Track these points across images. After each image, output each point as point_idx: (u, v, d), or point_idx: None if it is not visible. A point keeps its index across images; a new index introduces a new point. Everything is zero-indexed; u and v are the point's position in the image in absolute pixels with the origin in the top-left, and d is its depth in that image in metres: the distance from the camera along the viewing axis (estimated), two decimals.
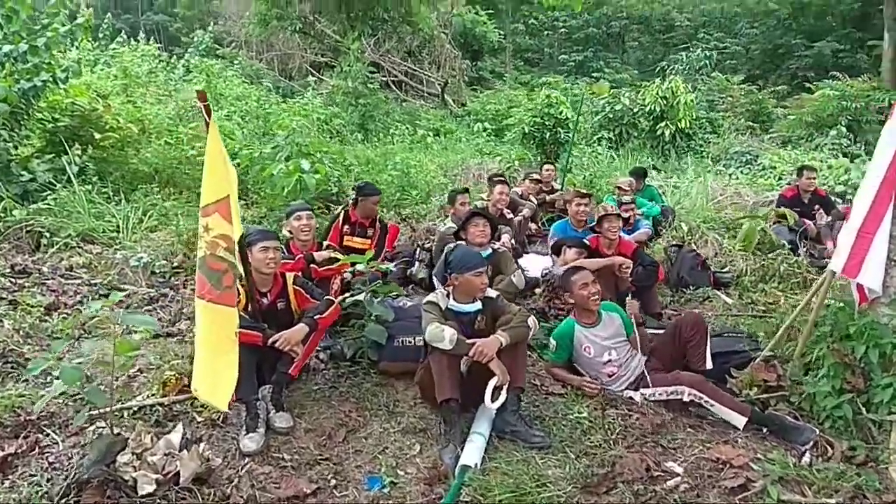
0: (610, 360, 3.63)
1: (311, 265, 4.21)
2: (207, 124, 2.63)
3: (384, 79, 16.98)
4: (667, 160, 12.67)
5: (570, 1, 4.33)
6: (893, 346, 3.03)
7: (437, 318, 3.19)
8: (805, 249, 5.95)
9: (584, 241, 4.75)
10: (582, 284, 3.70)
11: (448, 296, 3.40)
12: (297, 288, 3.55)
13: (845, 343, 3.24)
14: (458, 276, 3.33)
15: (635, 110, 13.49)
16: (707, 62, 16.84)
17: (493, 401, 3.03)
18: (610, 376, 3.62)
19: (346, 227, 5.09)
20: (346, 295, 3.85)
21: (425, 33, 16.83)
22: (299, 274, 3.76)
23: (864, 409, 3.07)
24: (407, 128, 12.81)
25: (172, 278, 5.10)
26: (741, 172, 11.76)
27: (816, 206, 7.00)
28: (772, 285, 5.24)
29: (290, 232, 4.39)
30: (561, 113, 9.30)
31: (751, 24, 23.95)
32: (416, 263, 5.30)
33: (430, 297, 3.35)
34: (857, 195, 3.30)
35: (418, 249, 5.43)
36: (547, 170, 7.71)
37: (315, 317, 3.36)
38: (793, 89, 18.09)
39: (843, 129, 11.93)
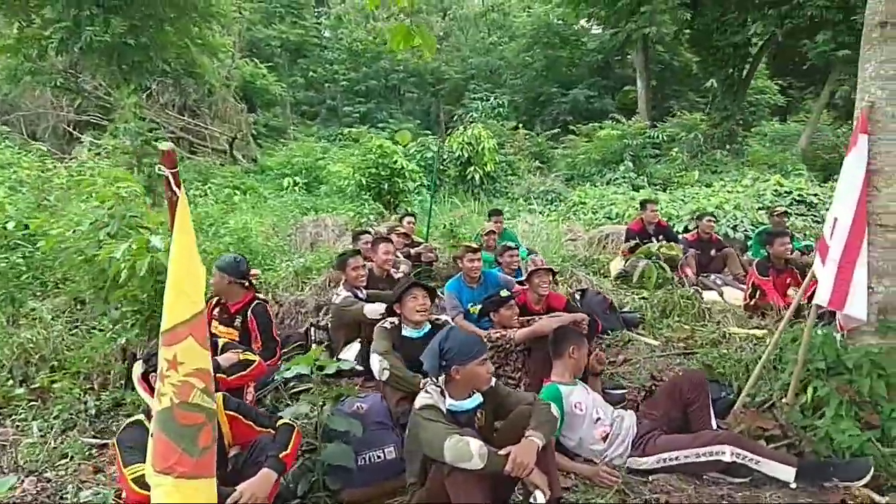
0: (600, 419, 3.25)
1: (217, 374, 3.14)
2: (172, 202, 1.67)
3: (161, 137, 15.17)
4: (478, 202, 12.96)
5: (423, 47, 3.91)
6: None
7: (447, 427, 2.46)
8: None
9: (511, 296, 4.32)
10: (583, 350, 3.41)
11: (442, 393, 2.69)
12: (233, 414, 2.55)
13: (842, 378, 3.17)
14: (459, 368, 2.64)
15: (445, 157, 13.67)
16: (500, 110, 17.84)
17: None
18: (604, 439, 3.20)
19: (216, 311, 4.06)
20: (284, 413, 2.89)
21: (209, 86, 15.39)
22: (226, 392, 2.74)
23: (878, 445, 2.99)
24: (206, 188, 11.40)
25: None
26: (550, 210, 12.45)
27: (661, 237, 7.43)
28: (674, 319, 5.29)
29: None
30: (395, 163, 8.90)
31: (514, 76, 26.14)
32: (314, 346, 4.40)
33: (424, 399, 2.61)
34: (827, 227, 3.30)
35: (312, 329, 4.52)
36: (409, 222, 7.21)
37: (279, 455, 2.41)
38: (561, 132, 19.98)
39: (630, 164, 13.30)
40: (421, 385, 3.35)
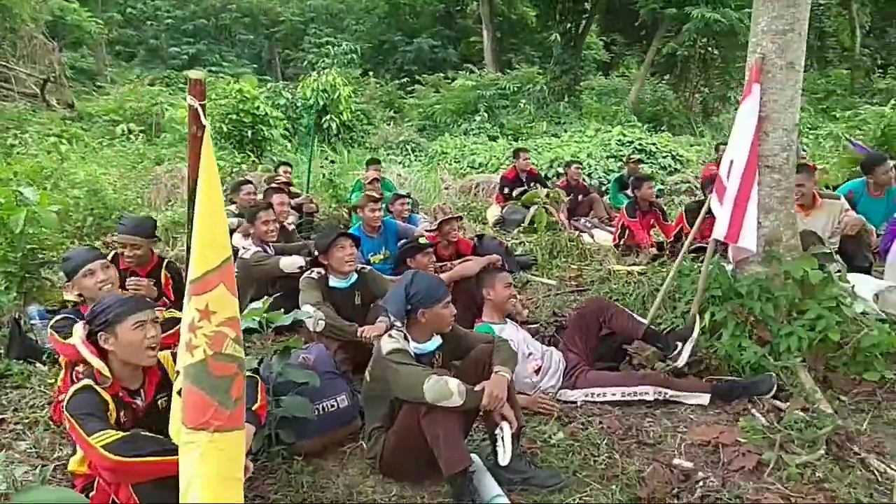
0: (532, 354, 3.42)
1: None
2: (197, 138, 1.44)
3: None
4: (336, 152, 12.64)
5: None
6: (784, 299, 3.46)
7: (424, 368, 2.48)
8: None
9: (430, 243, 4.33)
10: (506, 284, 3.49)
11: (406, 337, 2.66)
12: None
13: (735, 302, 3.58)
14: (425, 311, 2.64)
15: (299, 105, 13.06)
16: (353, 56, 17.29)
17: (504, 453, 2.47)
18: (536, 372, 3.38)
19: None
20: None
21: (13, 22, 13.21)
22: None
23: (770, 359, 3.43)
24: (25, 136, 9.92)
25: None
26: (411, 160, 12.47)
27: (533, 184, 7.78)
28: (561, 260, 5.61)
29: (81, 294, 2.91)
30: (258, 108, 8.33)
31: (356, 21, 25.41)
32: None
33: (391, 343, 2.57)
34: (723, 169, 3.65)
35: None
36: (285, 171, 6.84)
37: (252, 408, 2.27)
38: (409, 82, 19.91)
39: (485, 115, 13.65)
40: (361, 333, 3.31)
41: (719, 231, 3.58)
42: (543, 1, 17.93)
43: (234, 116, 8.00)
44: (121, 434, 1.88)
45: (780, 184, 3.58)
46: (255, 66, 23.64)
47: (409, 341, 2.66)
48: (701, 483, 2.63)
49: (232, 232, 5.08)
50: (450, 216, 4.51)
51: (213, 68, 20.96)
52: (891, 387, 3.17)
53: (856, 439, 2.80)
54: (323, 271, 3.56)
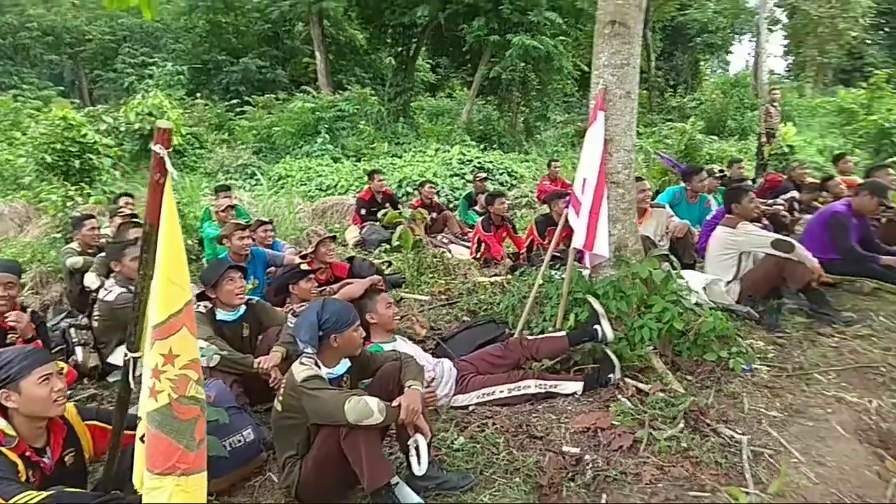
0: (424, 367, 3.57)
1: None
2: (159, 185, 1.42)
3: None
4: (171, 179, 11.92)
5: (140, 4, 3.72)
6: (634, 296, 3.95)
7: (340, 391, 2.56)
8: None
9: (312, 269, 4.33)
10: (387, 304, 3.62)
11: (317, 363, 2.71)
12: (92, 423, 2.20)
13: (588, 294, 4.02)
14: (337, 336, 2.70)
15: (122, 129, 12.15)
16: (181, 77, 16.31)
17: (419, 463, 2.62)
18: (429, 384, 3.55)
19: None
20: None
21: None
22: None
23: (628, 348, 3.91)
24: None
25: None
26: (251, 185, 12.12)
27: (388, 204, 7.97)
28: (429, 276, 5.85)
29: None
30: (85, 136, 7.64)
31: (174, 40, 24.07)
32: (77, 348, 3.79)
33: (303, 371, 2.60)
34: (577, 185, 4.09)
35: (73, 329, 3.86)
36: (126, 203, 6.38)
37: None
38: (239, 103, 19.22)
39: (326, 136, 13.62)
40: (258, 364, 3.26)
41: (578, 240, 4.01)
42: (373, 24, 18.34)
43: (59, 146, 7.26)
44: (43, 494, 1.76)
45: (624, 197, 4.10)
46: (60, 87, 21.46)
47: (320, 367, 2.70)
48: (590, 465, 2.94)
49: (80, 272, 4.71)
50: (325, 236, 4.55)
51: (13, 91, 18.75)
52: (726, 364, 3.75)
53: (707, 412, 3.28)
54: (210, 304, 3.46)
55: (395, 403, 2.57)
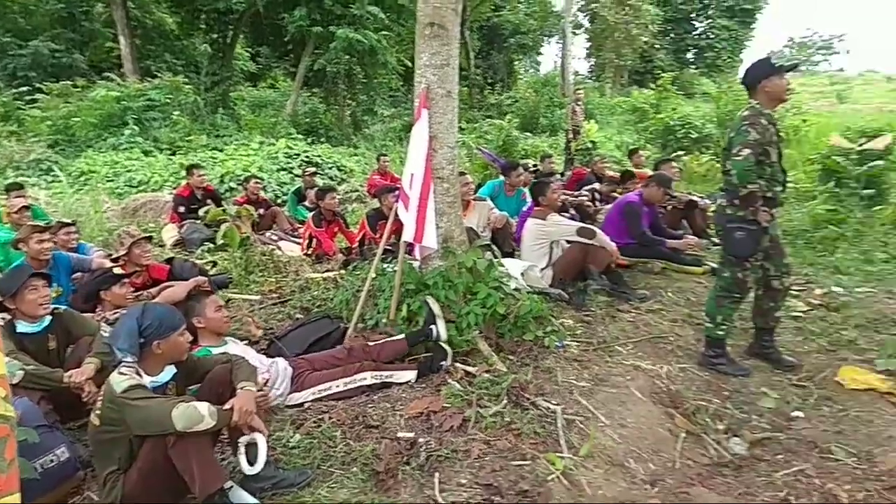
0: (258, 368, 3.52)
1: None
2: None
3: None
4: None
5: None
6: (461, 285, 4.19)
7: (164, 399, 2.45)
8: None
9: (125, 274, 4.03)
10: (216, 307, 3.52)
11: (138, 372, 2.56)
12: None
13: (425, 293, 4.20)
14: (161, 342, 2.58)
15: None
16: None
17: (251, 463, 2.61)
18: (264, 385, 3.51)
19: None
20: None
21: None
22: None
23: (457, 334, 4.13)
24: None
25: None
26: (48, 181, 10.88)
27: (209, 201, 7.59)
28: (258, 275, 5.69)
29: None
30: None
31: None
32: None
33: (123, 381, 2.44)
34: (405, 181, 4.22)
35: None
36: None
37: None
38: (30, 90, 17.00)
39: (135, 128, 12.53)
40: (69, 378, 3.00)
41: (408, 234, 4.16)
42: (185, 9, 17.18)
43: None
44: None
45: (449, 191, 4.32)
46: None
47: (141, 375, 2.56)
48: (423, 447, 3.08)
49: None
50: (139, 237, 4.25)
51: None
52: (542, 342, 4.11)
53: (526, 387, 3.58)
54: (8, 316, 3.10)
55: (227, 406, 2.52)
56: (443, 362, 3.85)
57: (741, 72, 4.02)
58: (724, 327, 3.95)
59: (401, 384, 3.77)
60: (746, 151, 3.55)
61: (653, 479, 2.93)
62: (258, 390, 3.32)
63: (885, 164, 7.62)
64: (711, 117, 13.50)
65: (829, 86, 44.64)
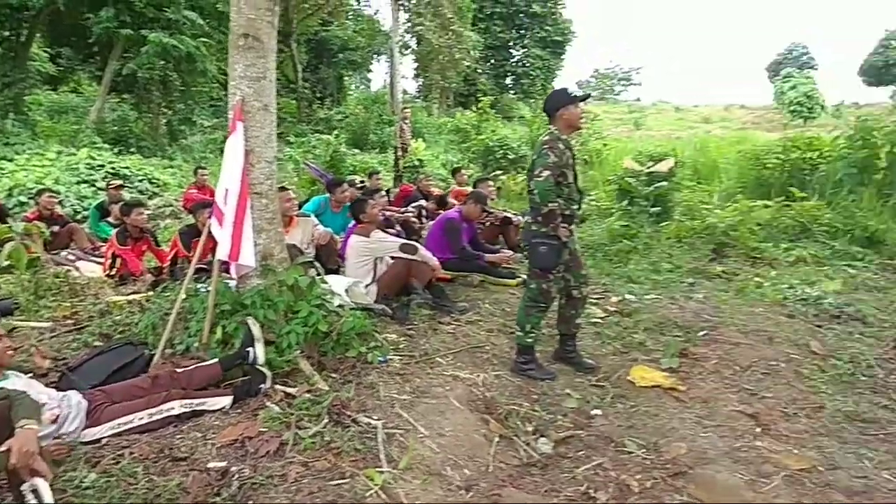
0: (46, 404, 3.18)
1: None
2: None
3: None
4: None
5: None
6: (282, 304, 4.08)
7: None
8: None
9: None
10: None
11: None
12: None
13: (242, 314, 4.04)
14: None
15: None
16: None
17: None
18: (54, 421, 3.16)
19: None
20: None
21: None
22: None
23: (277, 355, 4.01)
24: None
25: None
26: None
27: None
28: (51, 299, 5.10)
29: None
30: None
31: None
32: None
33: None
34: (219, 196, 4.04)
35: None
36: None
37: None
38: None
39: None
40: None
41: (223, 251, 3.98)
42: None
43: None
44: None
45: (268, 207, 4.20)
46: None
47: None
48: (236, 476, 2.94)
49: None
50: None
51: None
52: (365, 358, 4.12)
53: (348, 404, 3.57)
54: None
55: (3, 447, 2.23)
56: (262, 385, 3.72)
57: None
58: (532, 335, 4.24)
59: (214, 412, 3.57)
60: (546, 173, 3.88)
61: (468, 484, 3.05)
62: (52, 427, 3.00)
63: (670, 185, 8.71)
64: (527, 140, 14.51)
65: (627, 114, 50.27)
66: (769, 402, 3.87)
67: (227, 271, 4.25)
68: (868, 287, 6.38)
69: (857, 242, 7.76)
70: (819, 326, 5.15)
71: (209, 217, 4.32)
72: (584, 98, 4.20)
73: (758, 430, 3.57)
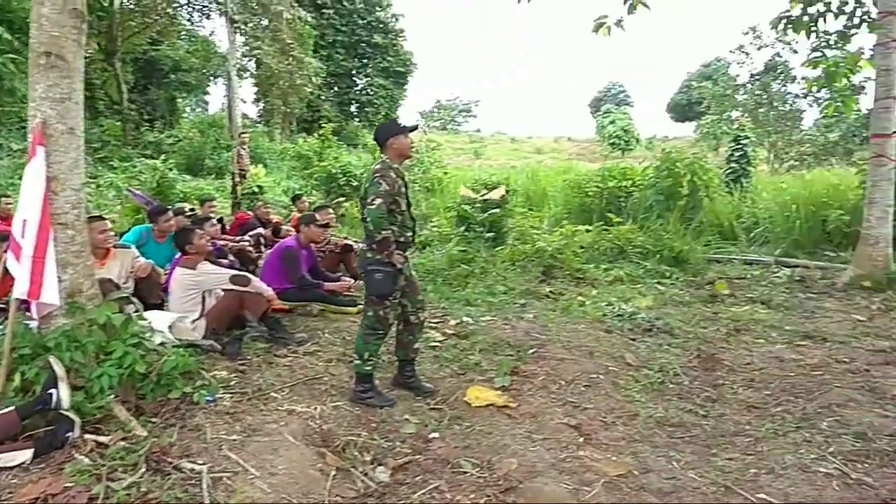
0: None
1: None
2: None
3: None
4: None
5: None
6: (91, 344, 3.72)
7: None
8: None
9: None
10: None
11: None
12: None
13: (45, 357, 3.62)
14: None
15: None
16: None
17: None
18: None
19: None
20: None
21: None
22: None
23: (87, 402, 3.63)
24: None
25: None
26: None
27: None
28: None
29: None
30: None
31: None
32: None
33: None
34: (16, 227, 3.62)
35: None
36: None
37: None
38: None
39: None
40: None
41: (20, 289, 3.56)
42: None
43: None
44: None
45: (75, 239, 3.83)
46: None
47: None
48: None
49: None
50: None
51: None
52: (191, 399, 3.86)
53: (169, 450, 3.31)
54: None
55: None
56: (69, 434, 3.34)
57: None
58: (371, 362, 4.23)
59: (12, 468, 3.16)
60: (379, 201, 3.92)
61: None
62: None
63: (503, 211, 9.18)
64: (370, 167, 14.55)
65: (468, 143, 52.50)
66: (590, 413, 4.16)
67: (28, 310, 3.80)
68: (675, 302, 7.13)
69: (665, 262, 8.69)
70: (633, 340, 5.65)
71: (6, 251, 3.85)
72: (413, 129, 4.32)
73: (580, 440, 3.81)
